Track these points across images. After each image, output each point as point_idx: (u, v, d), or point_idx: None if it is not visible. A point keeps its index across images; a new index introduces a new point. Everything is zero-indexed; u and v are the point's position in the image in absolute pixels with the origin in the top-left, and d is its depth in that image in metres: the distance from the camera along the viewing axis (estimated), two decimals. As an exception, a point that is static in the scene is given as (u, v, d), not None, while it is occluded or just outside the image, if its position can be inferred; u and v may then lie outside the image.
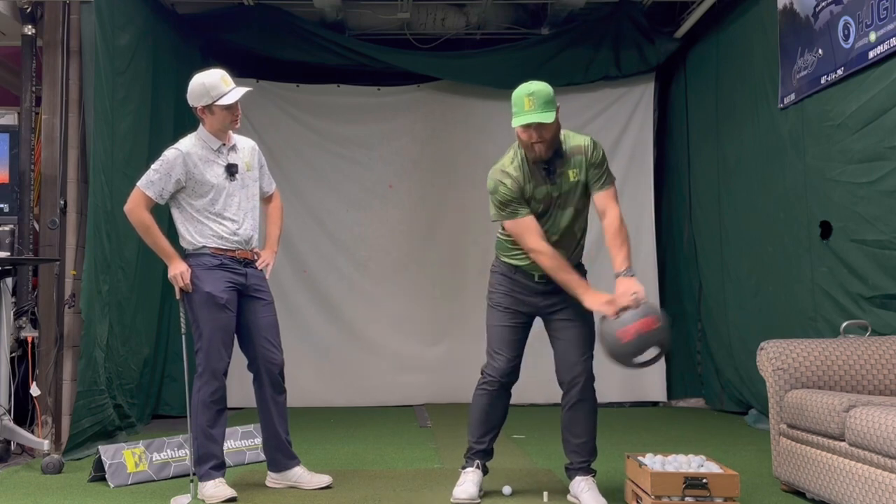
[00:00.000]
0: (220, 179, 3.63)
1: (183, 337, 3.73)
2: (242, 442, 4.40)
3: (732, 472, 3.18)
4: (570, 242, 3.42)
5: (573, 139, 3.41)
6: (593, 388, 3.49)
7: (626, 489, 3.46)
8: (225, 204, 3.63)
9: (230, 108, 3.62)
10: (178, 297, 3.64)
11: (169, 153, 3.61)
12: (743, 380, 5.89)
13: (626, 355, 3.18)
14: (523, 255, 3.42)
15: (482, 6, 6.69)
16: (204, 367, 3.57)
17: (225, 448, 3.72)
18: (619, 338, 3.14)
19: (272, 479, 3.80)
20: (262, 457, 3.94)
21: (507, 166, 3.37)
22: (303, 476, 3.75)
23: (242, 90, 3.66)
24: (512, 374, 3.54)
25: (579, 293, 3.29)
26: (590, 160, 3.38)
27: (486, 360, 3.57)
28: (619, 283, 3.24)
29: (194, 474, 3.58)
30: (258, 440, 4.15)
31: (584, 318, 3.45)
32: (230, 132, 3.71)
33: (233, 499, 3.50)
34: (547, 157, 3.31)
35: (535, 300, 3.48)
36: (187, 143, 3.65)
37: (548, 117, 3.21)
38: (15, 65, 5.42)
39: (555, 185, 3.35)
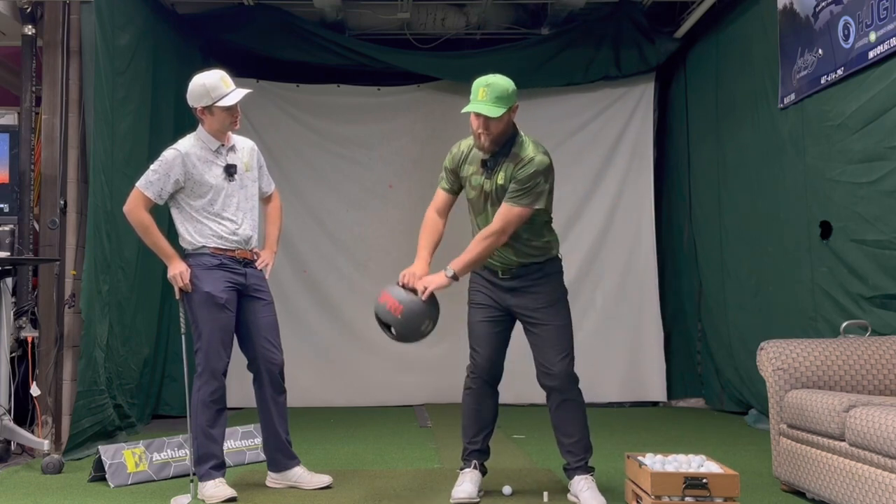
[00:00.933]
0: (219, 180, 3.63)
1: (182, 337, 3.74)
2: (242, 442, 4.40)
3: (732, 472, 3.18)
4: (513, 240, 3.40)
5: (525, 149, 3.37)
6: (577, 388, 3.49)
7: (626, 489, 3.46)
8: (224, 204, 3.64)
9: (230, 110, 3.62)
10: (177, 297, 3.64)
11: (168, 153, 3.61)
12: (743, 380, 5.89)
13: (375, 310, 3.32)
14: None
15: (482, 6, 6.69)
16: (203, 367, 3.57)
17: (225, 448, 3.72)
18: (377, 296, 3.33)
19: (272, 479, 3.80)
20: (262, 457, 3.94)
21: (464, 141, 3.52)
22: (303, 476, 3.75)
23: (243, 92, 3.66)
24: (492, 370, 3.55)
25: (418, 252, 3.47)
26: (514, 172, 3.35)
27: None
28: (437, 274, 3.36)
29: (194, 474, 3.58)
30: (258, 440, 4.15)
31: (559, 318, 3.45)
32: (229, 133, 3.72)
33: (233, 499, 3.50)
34: (488, 151, 3.37)
35: (504, 297, 3.48)
36: (186, 144, 3.65)
37: (493, 112, 3.24)
38: (15, 65, 5.42)
39: (488, 180, 3.41)
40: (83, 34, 4.74)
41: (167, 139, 5.84)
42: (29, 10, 4.84)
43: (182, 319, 3.70)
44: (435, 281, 3.31)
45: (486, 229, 3.37)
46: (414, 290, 3.29)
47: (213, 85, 3.59)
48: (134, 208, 3.59)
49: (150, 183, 3.58)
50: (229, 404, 3.76)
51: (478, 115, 3.28)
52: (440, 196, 3.59)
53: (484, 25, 7.05)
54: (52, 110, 4.73)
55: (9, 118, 5.37)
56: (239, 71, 5.75)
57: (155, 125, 5.59)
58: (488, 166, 3.40)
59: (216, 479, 3.55)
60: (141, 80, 5.37)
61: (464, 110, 3.32)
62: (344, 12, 6.72)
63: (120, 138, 5.02)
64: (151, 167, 3.62)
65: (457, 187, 3.58)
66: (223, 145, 3.68)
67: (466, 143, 3.50)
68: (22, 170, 4.82)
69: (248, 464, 4.31)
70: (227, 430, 3.87)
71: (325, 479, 3.75)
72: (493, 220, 3.36)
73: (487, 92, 3.26)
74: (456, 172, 3.52)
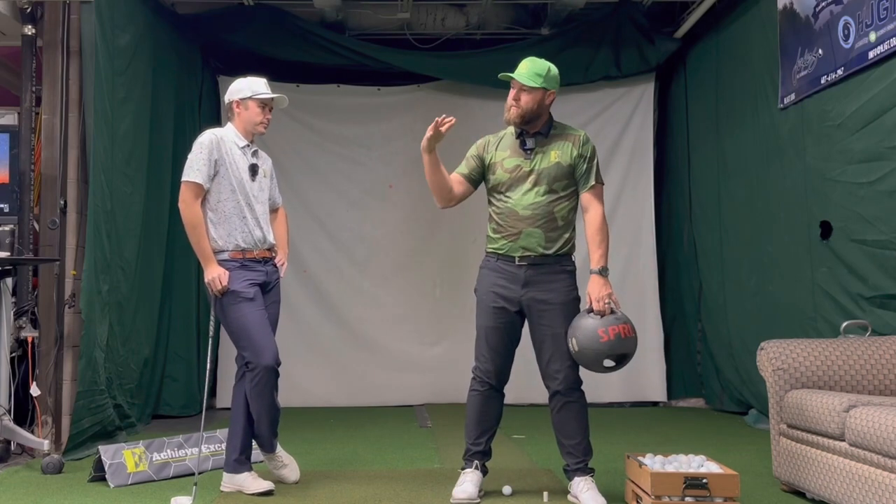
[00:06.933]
0: (245, 176, 3.71)
1: (210, 340, 3.73)
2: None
3: (732, 472, 3.18)
4: (547, 224, 3.43)
5: (567, 129, 3.57)
6: (580, 391, 3.50)
7: (626, 489, 3.46)
8: (247, 200, 3.69)
9: (263, 107, 3.74)
10: (210, 301, 3.67)
11: (204, 138, 3.66)
12: (743, 380, 5.89)
13: (600, 354, 3.26)
14: (502, 237, 3.48)
15: (482, 6, 6.69)
16: (255, 363, 3.57)
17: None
18: (599, 335, 3.24)
19: (224, 482, 3.74)
20: (261, 457, 3.93)
21: (492, 135, 3.64)
22: (246, 481, 3.68)
23: (280, 95, 3.80)
24: (498, 375, 3.55)
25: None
26: (580, 151, 3.49)
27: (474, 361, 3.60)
28: (593, 280, 3.38)
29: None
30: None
31: (568, 323, 3.43)
32: (254, 139, 3.79)
33: (270, 491, 3.59)
34: (515, 123, 3.49)
35: (517, 290, 3.45)
36: (220, 131, 3.74)
37: (526, 80, 3.42)
38: (15, 65, 5.42)
39: (527, 160, 3.48)
40: (83, 34, 4.74)
41: (167, 139, 5.89)
42: (29, 10, 4.84)
43: (212, 322, 3.71)
44: (608, 289, 3.35)
45: (596, 219, 3.46)
46: (597, 311, 3.32)
47: (256, 82, 3.78)
48: (190, 203, 3.59)
49: (198, 170, 3.60)
50: (223, 404, 3.75)
51: (513, 82, 3.45)
52: (456, 177, 3.62)
53: (484, 25, 7.05)
54: (52, 110, 4.73)
55: (9, 118, 5.37)
56: (239, 71, 5.75)
57: (155, 125, 5.60)
58: (526, 146, 3.49)
59: (251, 473, 3.64)
60: (141, 80, 5.37)
61: (501, 75, 3.48)
62: (344, 12, 6.72)
63: (120, 138, 5.02)
64: (190, 157, 3.63)
65: (475, 175, 3.60)
66: (248, 146, 3.76)
67: (494, 135, 3.63)
68: (22, 170, 4.82)
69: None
70: (218, 432, 3.85)
71: (267, 485, 3.66)
72: (591, 209, 3.48)
73: (529, 66, 3.46)
74: (481, 158, 3.58)
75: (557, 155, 3.45)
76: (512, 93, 3.46)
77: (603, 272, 3.39)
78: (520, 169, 3.47)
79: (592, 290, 3.36)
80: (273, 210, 4.02)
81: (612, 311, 3.32)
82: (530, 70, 3.44)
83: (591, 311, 3.33)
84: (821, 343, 3.63)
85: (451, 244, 7.06)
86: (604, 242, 3.44)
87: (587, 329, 3.28)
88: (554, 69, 3.51)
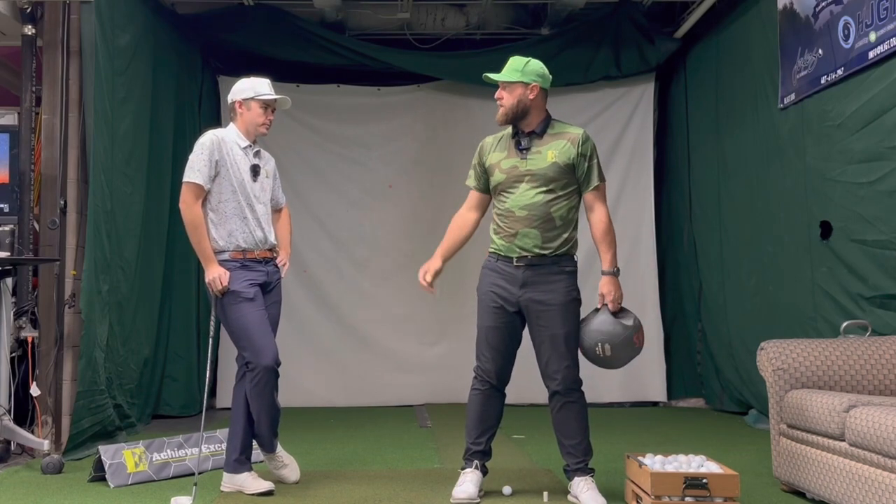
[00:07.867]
0: (246, 176, 3.71)
1: (210, 339, 3.73)
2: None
3: (732, 472, 3.18)
4: (544, 225, 3.43)
5: (563, 127, 3.54)
6: (580, 391, 3.50)
7: (626, 489, 3.46)
8: (248, 200, 3.69)
9: (266, 108, 3.74)
10: (211, 301, 3.67)
11: (204, 139, 3.66)
12: (743, 380, 5.89)
13: (629, 359, 3.43)
14: (500, 238, 3.50)
15: (482, 6, 6.70)
16: (255, 363, 3.57)
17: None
18: (634, 342, 3.38)
19: (224, 482, 3.74)
20: (261, 457, 3.93)
21: (489, 137, 3.63)
22: (246, 481, 3.69)
23: (283, 96, 3.79)
24: (499, 375, 3.55)
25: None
26: (580, 150, 3.46)
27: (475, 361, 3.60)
28: (607, 280, 3.45)
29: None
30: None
31: (567, 324, 3.44)
32: (256, 139, 3.79)
33: (271, 491, 3.59)
34: (501, 122, 3.50)
35: (515, 290, 3.46)
36: (220, 131, 3.74)
37: (504, 76, 3.45)
38: (15, 65, 5.42)
39: (523, 160, 3.47)
40: (83, 34, 4.74)
41: (167, 139, 5.89)
42: (29, 10, 4.84)
43: (212, 321, 3.71)
44: (618, 290, 3.44)
45: (602, 221, 3.47)
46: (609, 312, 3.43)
47: (259, 83, 3.76)
48: (191, 204, 3.59)
49: (198, 171, 3.60)
50: (224, 404, 3.75)
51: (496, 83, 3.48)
52: (471, 195, 3.69)
53: (484, 25, 7.05)
54: (52, 110, 4.73)
55: (9, 118, 5.37)
56: (239, 71, 5.75)
57: (155, 125, 5.60)
58: (522, 146, 3.48)
59: (251, 473, 3.65)
60: (141, 80, 5.37)
61: (484, 76, 3.52)
62: (344, 12, 6.73)
63: (120, 138, 5.02)
64: (191, 158, 3.63)
65: (484, 183, 3.62)
66: (250, 147, 3.76)
67: (493, 136, 3.62)
68: (22, 170, 4.82)
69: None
70: (219, 432, 3.85)
71: (267, 485, 3.66)
72: (596, 210, 3.49)
73: (508, 63, 3.48)
74: (482, 164, 3.60)
75: (554, 155, 3.43)
76: (497, 93, 3.49)
77: (616, 273, 3.46)
78: (516, 169, 3.46)
79: (607, 290, 3.43)
80: (276, 210, 4.02)
81: (623, 310, 3.44)
82: (508, 67, 3.47)
83: (601, 309, 3.44)
84: (821, 343, 3.63)
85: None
86: (613, 243, 3.49)
87: (622, 336, 3.37)
88: (535, 63, 3.48)
